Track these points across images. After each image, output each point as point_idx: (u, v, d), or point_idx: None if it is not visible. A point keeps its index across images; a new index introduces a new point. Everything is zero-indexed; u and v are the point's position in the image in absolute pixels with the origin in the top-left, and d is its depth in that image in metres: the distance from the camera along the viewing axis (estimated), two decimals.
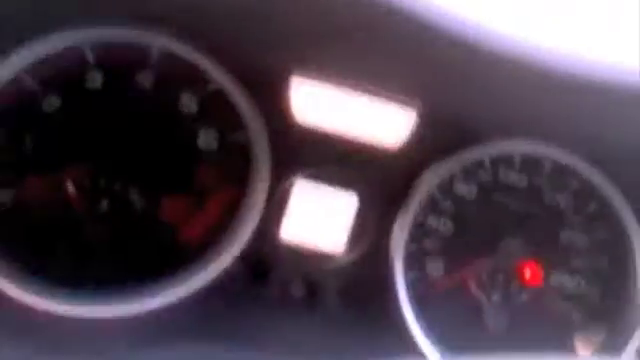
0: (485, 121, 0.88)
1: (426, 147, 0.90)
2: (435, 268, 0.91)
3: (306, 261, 0.91)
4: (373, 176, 0.91)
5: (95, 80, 0.84)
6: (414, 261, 0.91)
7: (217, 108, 0.87)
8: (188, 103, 0.86)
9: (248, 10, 0.72)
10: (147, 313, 0.82)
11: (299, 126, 0.88)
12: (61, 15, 0.79)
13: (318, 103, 0.88)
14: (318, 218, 0.91)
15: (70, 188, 0.84)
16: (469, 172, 0.91)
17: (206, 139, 0.87)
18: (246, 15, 0.73)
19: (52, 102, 0.83)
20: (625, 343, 0.90)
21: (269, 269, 0.90)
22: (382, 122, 0.89)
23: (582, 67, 0.67)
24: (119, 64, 0.84)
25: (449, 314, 0.91)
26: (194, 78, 0.86)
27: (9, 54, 0.80)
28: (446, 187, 0.91)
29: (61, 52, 0.82)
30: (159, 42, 0.83)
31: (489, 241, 0.91)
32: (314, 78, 0.87)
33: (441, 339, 0.89)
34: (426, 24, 0.64)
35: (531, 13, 0.66)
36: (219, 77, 0.85)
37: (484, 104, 0.83)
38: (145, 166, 0.86)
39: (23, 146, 0.84)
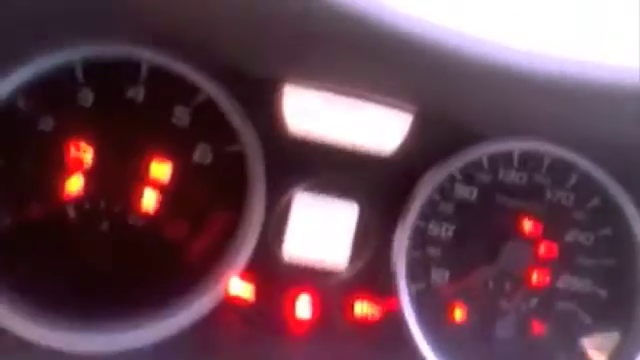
0: (482, 121, 0.87)
1: (423, 150, 0.89)
2: (439, 276, 0.89)
3: (309, 277, 0.89)
4: (371, 183, 0.90)
5: (87, 98, 0.84)
6: (418, 269, 0.89)
7: (209, 120, 0.87)
8: (180, 116, 0.86)
9: (237, 20, 0.72)
10: (147, 347, 0.81)
11: (293, 135, 0.88)
12: (50, 34, 0.80)
13: (311, 111, 0.88)
14: (319, 230, 0.89)
15: (70, 210, 0.84)
16: (468, 173, 0.90)
17: (201, 153, 0.87)
18: (235, 25, 0.74)
19: (46, 122, 0.83)
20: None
21: (272, 287, 0.89)
22: (377, 127, 0.89)
23: (576, 67, 0.66)
24: (109, 80, 0.84)
25: (455, 324, 0.89)
26: (185, 91, 0.86)
27: (3, 76, 0.81)
28: (446, 190, 0.90)
29: (52, 71, 0.82)
30: (148, 56, 0.83)
31: (493, 245, 0.89)
32: (306, 85, 0.87)
33: (447, 350, 0.87)
34: (412, 36, 0.64)
35: (523, 16, 0.66)
36: (209, 89, 0.85)
37: (480, 104, 0.82)
38: (143, 185, 0.85)
39: (20, 168, 0.83)
